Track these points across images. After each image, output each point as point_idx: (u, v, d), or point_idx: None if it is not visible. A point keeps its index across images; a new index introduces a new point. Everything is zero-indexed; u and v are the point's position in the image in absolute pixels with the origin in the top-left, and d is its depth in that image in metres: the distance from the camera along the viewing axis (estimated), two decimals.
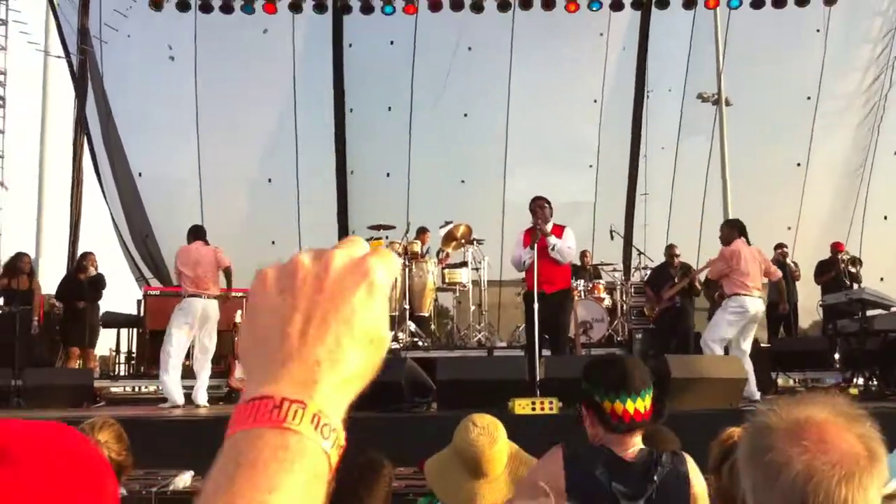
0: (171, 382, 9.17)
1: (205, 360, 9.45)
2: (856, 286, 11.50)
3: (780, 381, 10.58)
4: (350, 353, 0.71)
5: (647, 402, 2.78)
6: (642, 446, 2.83)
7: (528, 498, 2.61)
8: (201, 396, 9.29)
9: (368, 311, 0.72)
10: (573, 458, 2.78)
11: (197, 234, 9.70)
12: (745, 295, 8.87)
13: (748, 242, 9.19)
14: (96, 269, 11.84)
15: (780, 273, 9.58)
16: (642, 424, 2.79)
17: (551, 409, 6.95)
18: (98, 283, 11.81)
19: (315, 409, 0.68)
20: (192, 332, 9.30)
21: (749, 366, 8.70)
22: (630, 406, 2.74)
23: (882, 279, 14.11)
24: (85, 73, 14.59)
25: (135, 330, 12.62)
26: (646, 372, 2.85)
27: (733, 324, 8.90)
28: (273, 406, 0.68)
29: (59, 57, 14.93)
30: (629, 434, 2.78)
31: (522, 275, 9.13)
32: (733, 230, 9.27)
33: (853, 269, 12.13)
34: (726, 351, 8.89)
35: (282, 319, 0.71)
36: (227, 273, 9.61)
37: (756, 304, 8.95)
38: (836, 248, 12.65)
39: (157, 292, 12.17)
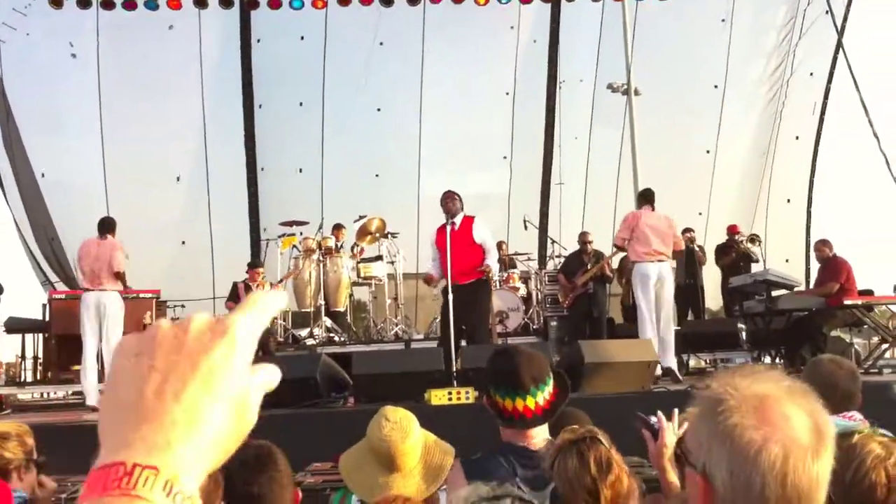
0: (86, 384, 8.95)
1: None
2: (755, 266, 11.82)
3: (691, 363, 10.79)
4: (209, 414, 0.67)
5: (543, 396, 2.78)
6: (547, 436, 2.82)
7: None
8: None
9: (229, 370, 0.69)
10: (471, 467, 2.78)
11: (100, 227, 9.48)
12: (643, 262, 9.03)
13: (653, 209, 9.31)
14: None
15: (682, 245, 9.64)
16: (538, 419, 2.79)
17: (468, 398, 6.95)
18: None
19: (168, 475, 0.63)
20: (94, 328, 9.03)
21: (668, 335, 8.86)
22: (520, 403, 2.75)
23: (787, 261, 14.57)
24: None
25: (41, 335, 12.22)
26: (540, 366, 2.84)
27: (643, 297, 9.03)
28: (123, 472, 0.63)
29: None
30: (527, 428, 2.79)
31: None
32: (640, 200, 9.51)
33: (751, 247, 12.42)
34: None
35: (138, 382, 0.67)
36: (118, 277, 9.28)
37: (657, 268, 9.01)
38: (732, 230, 12.97)
39: (63, 296, 11.81)
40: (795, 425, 1.30)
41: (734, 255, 12.48)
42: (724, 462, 1.31)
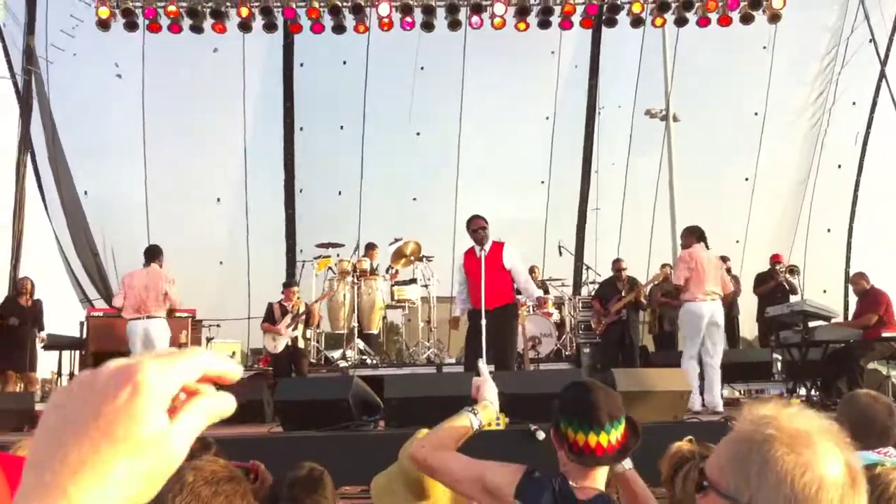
0: None
1: None
2: (793, 297, 11.68)
3: (725, 393, 10.68)
4: (111, 460, 0.67)
5: (615, 435, 2.68)
6: (601, 490, 2.71)
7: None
8: None
9: (132, 418, 0.68)
10: (530, 477, 2.67)
11: (146, 255, 9.76)
12: (696, 301, 8.92)
13: (707, 248, 9.26)
14: (31, 294, 11.66)
15: (731, 287, 9.60)
16: (606, 459, 2.69)
17: (498, 425, 6.92)
18: (38, 309, 11.64)
19: None
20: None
21: (715, 374, 8.78)
22: (593, 439, 2.65)
23: (825, 291, 14.37)
24: (30, 93, 14.40)
25: (78, 352, 12.41)
26: (617, 404, 2.73)
27: (692, 337, 8.97)
28: None
29: (3, 77, 14.72)
30: (591, 468, 2.69)
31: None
32: (691, 236, 9.31)
33: (791, 279, 12.33)
34: (701, 363, 8.94)
35: (50, 430, 0.68)
36: (170, 304, 9.68)
37: (709, 307, 8.92)
38: (775, 259, 12.86)
39: (101, 314, 11.98)
40: (840, 464, 1.32)
41: (773, 284, 12.36)
42: (780, 501, 1.31)
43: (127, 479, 0.67)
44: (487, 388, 2.98)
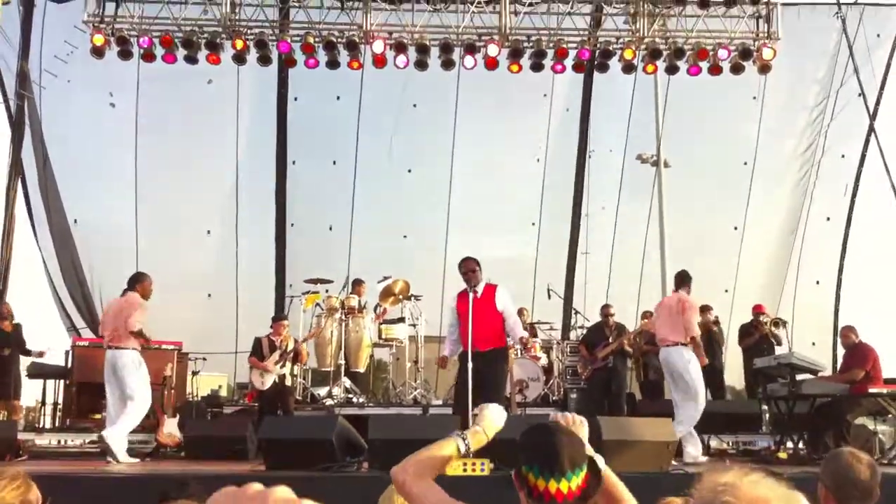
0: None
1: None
2: (778, 349, 11.70)
3: (713, 444, 10.64)
4: None
5: (576, 482, 2.62)
6: None
7: None
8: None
9: None
10: None
11: (128, 282, 9.51)
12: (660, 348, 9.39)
13: (678, 291, 9.55)
14: (12, 319, 11.55)
15: (694, 331, 9.58)
16: None
17: (483, 470, 6.87)
18: (18, 333, 11.52)
19: None
20: (112, 386, 9.05)
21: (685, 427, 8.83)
22: (553, 486, 2.59)
23: (814, 343, 14.39)
24: (22, 118, 14.37)
25: (62, 381, 12.30)
26: (580, 449, 2.68)
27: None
28: None
29: None
30: None
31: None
32: (686, 281, 9.68)
33: (776, 331, 12.36)
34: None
35: None
36: (134, 335, 9.14)
37: (663, 355, 9.33)
38: (757, 310, 12.93)
39: (87, 343, 11.89)
40: None
41: (757, 336, 12.39)
42: None
43: None
44: (489, 414, 2.92)
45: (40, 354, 11.58)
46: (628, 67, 13.59)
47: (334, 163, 15.79)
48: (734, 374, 13.48)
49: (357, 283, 12.99)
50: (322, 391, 11.97)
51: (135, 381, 9.05)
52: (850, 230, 15.66)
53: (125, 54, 13.39)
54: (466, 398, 8.22)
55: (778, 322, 12.56)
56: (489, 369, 8.53)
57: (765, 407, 10.95)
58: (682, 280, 9.64)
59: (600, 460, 2.74)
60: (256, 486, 0.79)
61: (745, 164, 15.69)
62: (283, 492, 0.79)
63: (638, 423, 8.28)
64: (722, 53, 12.78)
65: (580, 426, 2.86)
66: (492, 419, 2.94)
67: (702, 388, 9.21)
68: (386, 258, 14.64)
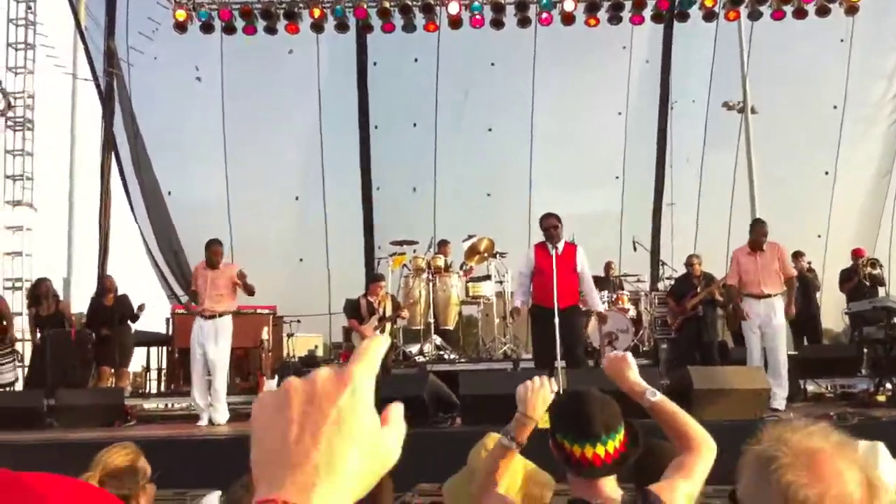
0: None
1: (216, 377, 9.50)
2: (880, 289, 11.43)
3: (810, 388, 10.49)
4: (345, 454, 0.76)
5: (613, 446, 2.62)
6: (620, 492, 2.64)
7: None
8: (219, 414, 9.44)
9: (355, 414, 0.78)
10: None
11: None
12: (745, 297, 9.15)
13: (755, 243, 9.31)
14: (116, 291, 11.94)
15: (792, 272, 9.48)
16: (605, 470, 2.62)
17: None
18: (123, 304, 11.92)
19: None
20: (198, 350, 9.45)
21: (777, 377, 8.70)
22: (590, 451, 2.59)
23: None
24: (112, 95, 14.80)
25: (165, 348, 12.77)
26: (614, 413, 2.66)
27: (749, 335, 8.98)
28: None
29: (86, 80, 15.14)
30: (594, 479, 2.62)
31: None
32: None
33: (874, 271, 12.06)
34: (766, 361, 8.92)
35: (281, 433, 0.78)
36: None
37: (757, 307, 9.08)
38: (857, 253, 12.63)
39: (185, 310, 12.30)
40: (848, 481, 1.33)
41: (857, 280, 12.12)
42: None
43: (357, 471, 0.78)
44: (535, 400, 2.75)
45: (140, 309, 11.97)
46: (709, 15, 13.34)
47: (415, 125, 15.89)
48: (832, 318, 13.24)
49: (443, 244, 13.08)
50: (413, 349, 12.15)
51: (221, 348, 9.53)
52: None
53: (206, 28, 13.70)
54: (551, 353, 8.29)
55: (874, 263, 12.28)
56: (569, 325, 8.57)
57: (865, 350, 10.73)
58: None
59: (655, 395, 2.78)
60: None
61: (835, 107, 15.25)
62: (325, 372, 0.80)
63: (729, 372, 8.27)
64: None
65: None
66: (527, 402, 2.76)
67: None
68: (470, 217, 14.71)
